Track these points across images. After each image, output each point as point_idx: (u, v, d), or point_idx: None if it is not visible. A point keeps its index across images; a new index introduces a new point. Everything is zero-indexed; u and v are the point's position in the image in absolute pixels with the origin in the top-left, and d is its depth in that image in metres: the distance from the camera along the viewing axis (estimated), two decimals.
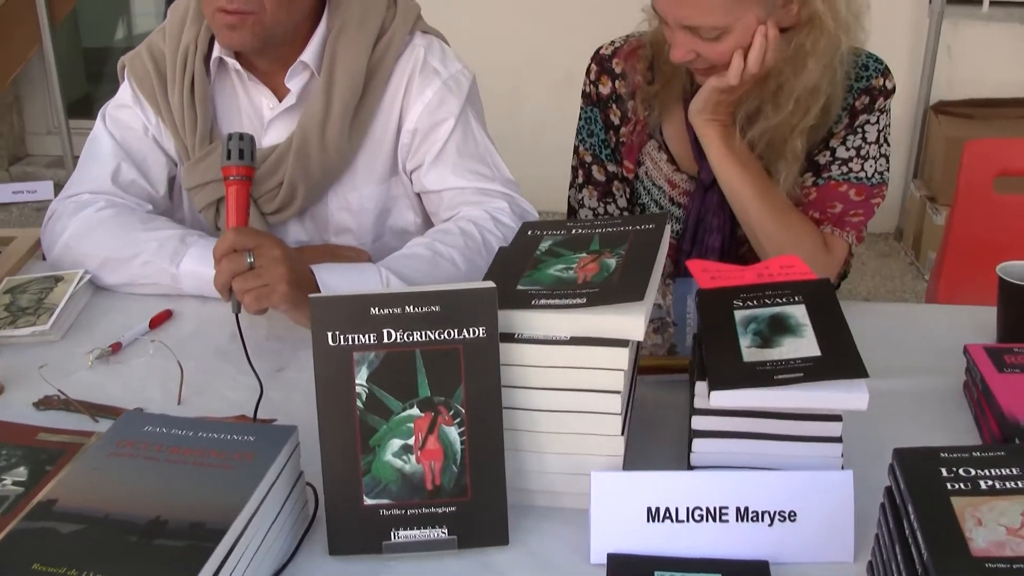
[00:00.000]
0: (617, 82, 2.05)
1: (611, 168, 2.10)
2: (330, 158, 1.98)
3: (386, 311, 1.27)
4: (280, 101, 2.01)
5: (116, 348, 1.79)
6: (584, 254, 1.45)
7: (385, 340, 1.27)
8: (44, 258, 2.12)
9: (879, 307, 2.10)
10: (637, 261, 1.40)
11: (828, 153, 1.97)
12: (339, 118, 1.95)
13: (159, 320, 1.88)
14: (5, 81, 5.20)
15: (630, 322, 1.29)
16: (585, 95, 2.10)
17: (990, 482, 1.13)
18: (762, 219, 1.95)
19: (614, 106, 2.06)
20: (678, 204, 2.09)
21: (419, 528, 1.29)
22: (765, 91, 1.89)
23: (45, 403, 1.63)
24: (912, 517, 1.10)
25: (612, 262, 1.41)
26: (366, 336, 1.27)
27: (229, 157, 1.70)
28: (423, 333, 1.27)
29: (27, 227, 3.21)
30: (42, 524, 1.16)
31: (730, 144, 1.93)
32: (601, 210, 2.12)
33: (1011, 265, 1.77)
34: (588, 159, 2.11)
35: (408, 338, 1.27)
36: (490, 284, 1.28)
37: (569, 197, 2.18)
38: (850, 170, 1.96)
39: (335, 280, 1.75)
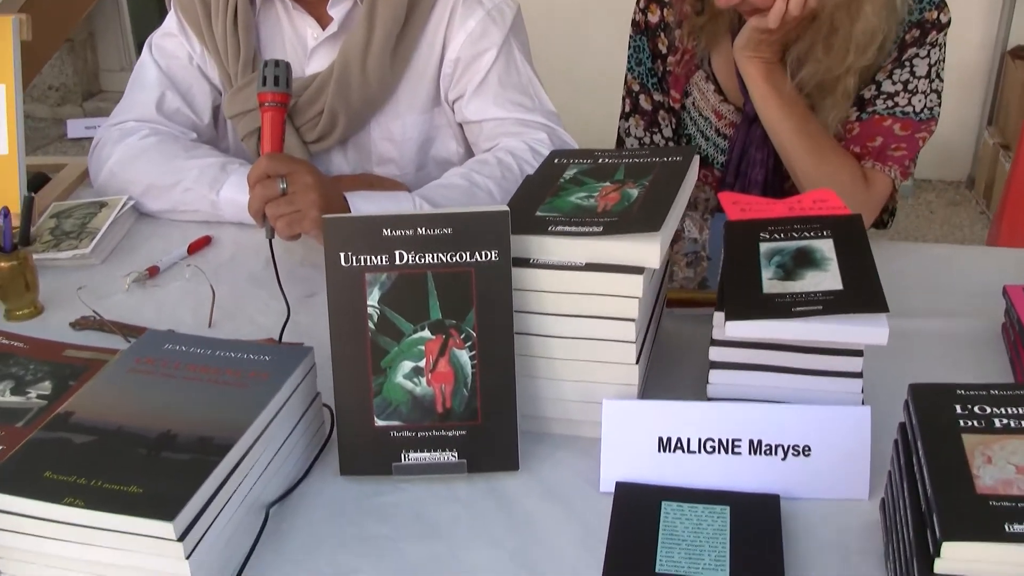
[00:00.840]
0: (665, 10, 2.01)
1: (657, 97, 2.07)
2: (371, 87, 1.97)
3: (398, 232, 1.26)
4: (324, 29, 2.00)
5: (153, 272, 1.80)
6: (607, 183, 1.43)
7: (397, 261, 1.27)
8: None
9: (924, 247, 2.04)
10: (659, 192, 1.38)
11: (874, 87, 1.91)
12: (381, 46, 1.94)
13: (198, 246, 1.90)
14: (78, 18, 5.24)
15: (646, 249, 1.27)
16: (634, 23, 2.07)
17: (1005, 420, 1.09)
18: (800, 155, 1.91)
19: (662, 35, 2.03)
20: (724, 136, 2.06)
21: (429, 451, 1.29)
22: (817, 34, 1.84)
23: (81, 323, 1.66)
24: (921, 453, 1.07)
25: (634, 192, 1.39)
26: (378, 257, 1.27)
27: (265, 83, 1.70)
28: (435, 255, 1.27)
29: None
30: (58, 435, 1.17)
31: (772, 81, 1.88)
32: (647, 140, 2.09)
33: None
34: (636, 88, 2.08)
35: (420, 260, 1.27)
36: (503, 207, 1.27)
37: (619, 126, 2.15)
38: (896, 104, 1.91)
39: (368, 207, 1.75)
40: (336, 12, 1.97)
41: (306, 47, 2.03)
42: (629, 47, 2.09)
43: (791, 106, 1.88)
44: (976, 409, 1.11)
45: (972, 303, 1.70)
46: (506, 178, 1.88)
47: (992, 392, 1.14)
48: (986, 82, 4.72)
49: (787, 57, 1.88)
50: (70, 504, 1.07)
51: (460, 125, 2.09)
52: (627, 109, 2.11)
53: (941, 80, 1.95)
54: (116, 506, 1.07)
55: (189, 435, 1.17)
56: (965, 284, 1.79)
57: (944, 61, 1.95)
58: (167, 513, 1.06)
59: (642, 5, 2.05)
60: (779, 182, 2.03)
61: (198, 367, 1.29)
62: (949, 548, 0.96)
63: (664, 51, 2.04)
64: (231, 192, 1.91)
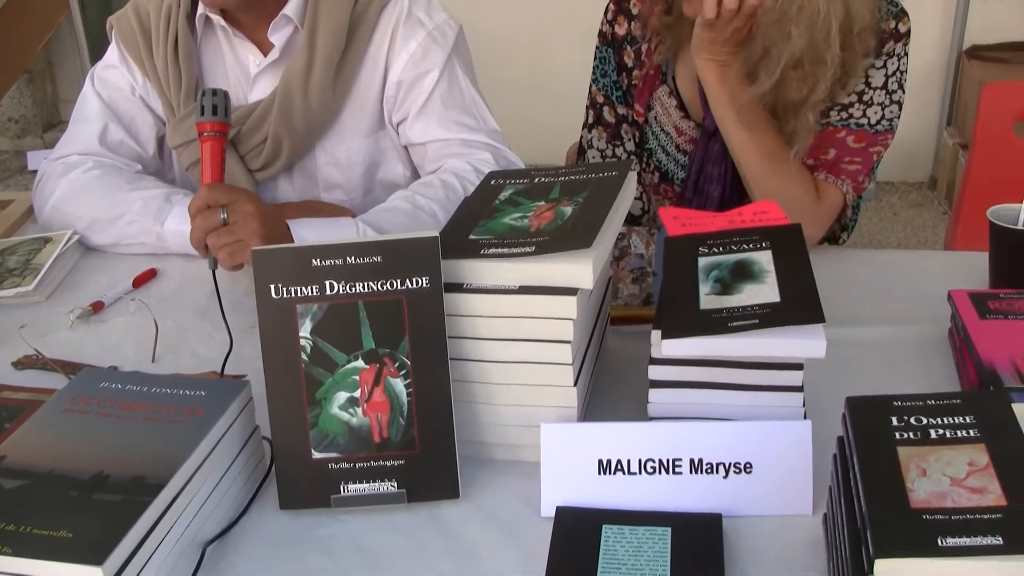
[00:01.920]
0: (633, 23, 2.01)
1: (621, 111, 2.06)
2: (314, 112, 1.96)
3: (328, 262, 1.25)
4: (265, 56, 1.99)
5: (98, 308, 1.78)
6: (542, 202, 1.42)
7: (328, 292, 1.25)
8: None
9: (875, 254, 2.04)
10: (593, 209, 1.37)
11: (828, 99, 1.91)
12: (322, 71, 1.93)
13: (143, 279, 1.88)
14: (35, 49, 5.22)
15: (579, 270, 1.26)
16: (601, 34, 2.07)
17: (941, 431, 1.08)
18: (752, 162, 1.90)
19: (628, 48, 2.02)
20: (684, 151, 2.05)
21: (368, 481, 1.27)
22: (752, 54, 1.83)
23: (23, 362, 1.64)
24: (856, 468, 1.06)
25: (568, 210, 1.38)
26: (309, 288, 1.26)
27: (203, 113, 1.69)
28: (365, 284, 1.25)
29: None
30: None
31: (728, 87, 1.87)
32: (609, 152, 2.08)
33: (1002, 208, 1.71)
34: (600, 99, 2.08)
35: (351, 289, 1.26)
36: (432, 233, 1.26)
37: (581, 137, 2.15)
38: (850, 116, 1.90)
39: (311, 235, 1.74)
40: (276, 38, 1.96)
41: (248, 74, 2.01)
42: (595, 58, 2.08)
43: (746, 113, 1.87)
44: (912, 420, 1.10)
45: (921, 309, 1.70)
46: (450, 199, 1.87)
47: (929, 402, 1.13)
48: (944, 83, 4.72)
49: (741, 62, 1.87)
50: None
51: (406, 148, 2.08)
52: (590, 120, 2.11)
53: (903, 91, 1.93)
54: (44, 552, 1.05)
55: (122, 475, 1.15)
56: (915, 290, 1.78)
57: (905, 72, 1.93)
58: (96, 557, 1.04)
59: (610, 16, 2.05)
60: (736, 198, 2.02)
61: (133, 405, 1.28)
62: (882, 564, 0.95)
63: (630, 64, 2.03)
64: (176, 223, 1.89)
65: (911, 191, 4.81)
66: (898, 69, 1.91)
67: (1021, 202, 1.70)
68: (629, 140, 2.08)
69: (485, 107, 2.06)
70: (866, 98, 1.90)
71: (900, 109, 1.94)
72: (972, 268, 1.82)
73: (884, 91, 1.91)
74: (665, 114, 2.04)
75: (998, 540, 0.94)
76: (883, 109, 1.91)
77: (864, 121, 1.91)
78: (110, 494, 1.12)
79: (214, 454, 1.23)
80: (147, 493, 1.12)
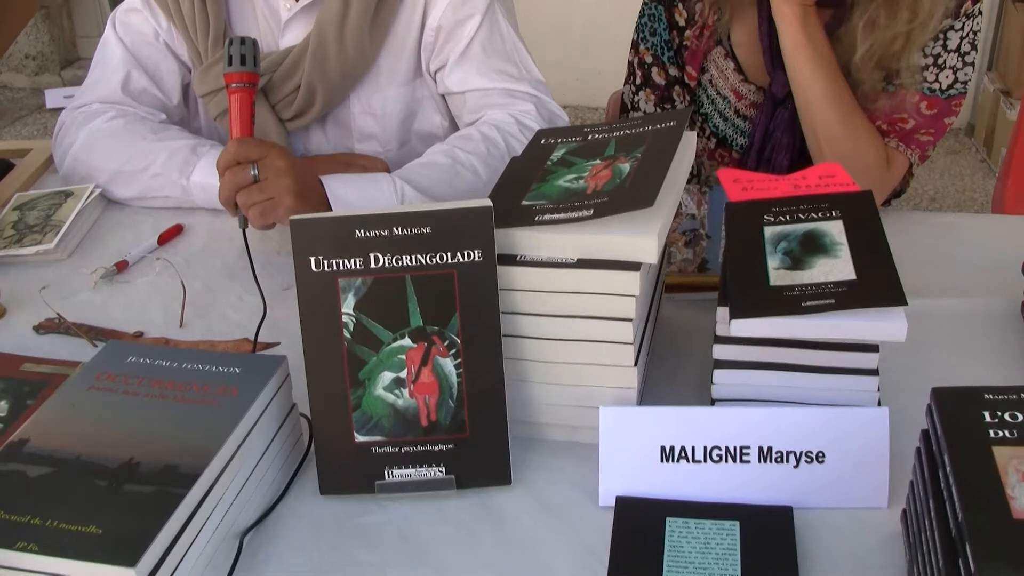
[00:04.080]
0: None
1: (672, 72, 1.95)
2: (349, 59, 1.86)
3: (372, 233, 1.16)
4: (297, 0, 1.89)
5: (122, 267, 1.70)
6: (597, 161, 1.33)
7: (372, 265, 1.17)
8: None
9: (933, 217, 1.95)
10: (653, 163, 1.27)
11: (902, 60, 1.80)
12: (358, 16, 1.83)
13: (169, 236, 1.80)
14: None
15: (643, 243, 1.17)
16: None
17: None
18: (828, 121, 1.79)
19: (680, 5, 1.90)
20: (744, 116, 1.94)
21: (414, 467, 1.20)
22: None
23: (45, 326, 1.56)
24: (948, 469, 0.98)
25: (626, 167, 1.28)
26: (352, 261, 1.17)
27: (230, 63, 1.59)
28: (413, 257, 1.17)
29: None
30: (11, 467, 1.08)
31: (808, 30, 1.75)
32: None
33: None
34: (648, 59, 1.96)
35: (397, 263, 1.17)
36: (486, 202, 1.17)
37: (623, 94, 2.04)
38: (924, 79, 1.79)
39: (345, 191, 1.65)
40: None
41: (279, 19, 1.92)
42: (642, 15, 1.95)
43: (824, 62, 1.76)
44: (1007, 416, 1.01)
45: (986, 278, 1.61)
46: (491, 154, 1.78)
47: (1023, 396, 1.04)
48: (986, 26, 4.58)
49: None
50: (23, 550, 0.98)
51: (443, 97, 1.98)
52: (638, 81, 1.98)
53: (975, 50, 1.82)
54: (73, 551, 0.98)
55: (153, 463, 1.08)
56: (976, 257, 1.69)
57: (979, 31, 1.83)
58: (129, 558, 0.97)
59: None
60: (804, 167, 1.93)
61: (163, 382, 1.20)
62: None
63: (682, 23, 1.91)
64: (202, 176, 1.81)
65: (948, 138, 4.67)
66: (971, 29, 1.81)
67: None
68: (680, 103, 1.97)
69: (528, 55, 1.96)
70: (941, 61, 1.80)
71: (973, 70, 1.84)
72: None
73: (957, 54, 1.80)
74: (722, 77, 1.93)
75: None
76: (955, 72, 1.81)
77: (937, 86, 1.80)
78: (141, 485, 1.05)
79: (250, 438, 1.16)
80: (181, 484, 1.05)
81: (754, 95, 1.92)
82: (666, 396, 1.31)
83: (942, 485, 0.99)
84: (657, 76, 1.95)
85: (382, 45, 1.91)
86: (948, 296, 1.57)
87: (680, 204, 1.63)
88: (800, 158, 1.92)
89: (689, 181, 1.95)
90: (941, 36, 1.78)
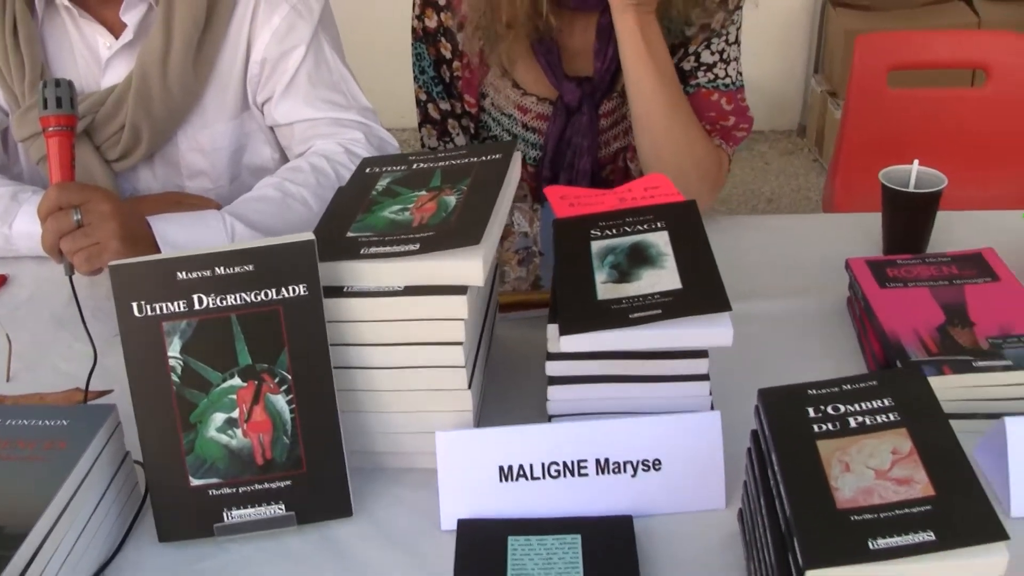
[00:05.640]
0: (443, 14, 1.88)
1: (443, 106, 1.95)
2: (174, 96, 1.83)
3: (195, 274, 1.15)
4: (117, 38, 1.85)
5: None
6: (423, 192, 1.33)
7: (196, 307, 1.15)
8: None
9: (764, 220, 1.99)
10: (479, 197, 1.28)
11: (693, 59, 1.84)
12: (181, 52, 1.80)
13: None
14: None
15: (468, 267, 1.17)
16: (413, 30, 1.93)
17: (860, 419, 1.03)
18: (670, 130, 1.79)
19: (443, 40, 1.90)
20: (533, 129, 1.95)
21: (253, 506, 1.18)
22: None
23: None
24: (776, 466, 1.00)
25: (452, 200, 1.29)
26: (175, 304, 1.15)
27: (46, 106, 1.55)
28: (237, 296, 1.15)
29: None
30: None
31: (648, 38, 1.75)
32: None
33: (894, 170, 1.67)
34: (423, 97, 1.96)
35: (222, 302, 1.15)
36: (308, 236, 1.16)
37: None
38: (716, 76, 1.84)
39: (173, 231, 1.62)
40: (130, 18, 1.82)
41: (99, 58, 1.88)
42: (412, 55, 1.95)
43: (666, 72, 1.77)
44: (829, 410, 1.05)
45: (816, 278, 1.66)
46: (321, 184, 1.77)
47: (844, 387, 1.08)
48: (809, 29, 4.73)
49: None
50: None
51: (272, 129, 1.96)
52: (419, 119, 1.99)
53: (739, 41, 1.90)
54: None
55: None
56: (807, 257, 1.74)
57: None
58: None
59: (418, 11, 1.91)
60: (599, 170, 1.95)
61: None
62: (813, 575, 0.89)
63: (449, 56, 1.91)
64: (24, 224, 1.76)
65: (781, 139, 4.82)
66: (741, 20, 1.87)
67: (912, 163, 1.66)
68: (458, 134, 1.97)
69: (355, 83, 1.95)
70: (726, 55, 1.85)
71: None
72: (863, 231, 1.79)
73: (736, 46, 1.87)
74: (502, 97, 1.94)
75: (929, 536, 0.90)
76: (737, 63, 1.88)
77: (728, 81, 1.85)
78: None
79: (81, 491, 1.12)
80: (7, 547, 1.01)
81: (538, 106, 1.93)
82: (506, 416, 1.32)
83: (771, 482, 1.02)
84: (433, 112, 1.96)
85: (207, 81, 1.88)
86: (779, 298, 1.61)
87: (512, 223, 1.65)
88: (596, 161, 1.95)
89: (522, 200, 1.97)
90: (724, 32, 1.83)
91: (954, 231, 1.75)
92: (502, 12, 1.78)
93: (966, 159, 2.64)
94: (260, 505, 1.18)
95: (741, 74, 1.88)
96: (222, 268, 1.15)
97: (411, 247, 1.19)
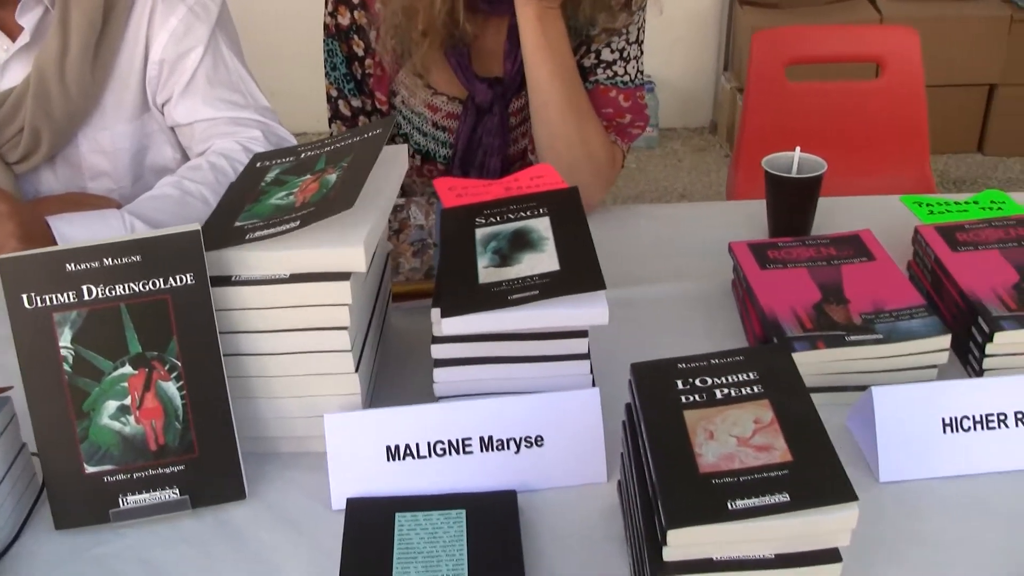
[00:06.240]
0: (356, 12, 1.91)
1: (355, 103, 1.98)
2: (72, 98, 1.85)
3: (84, 266, 1.17)
4: (14, 40, 1.87)
5: None
6: (308, 176, 1.36)
7: (86, 297, 1.18)
8: None
9: (654, 209, 2.05)
10: (356, 170, 1.31)
11: (593, 56, 1.89)
12: (78, 54, 1.82)
13: None
14: None
15: (350, 253, 1.21)
16: (325, 27, 1.96)
17: (726, 390, 1.08)
18: (566, 124, 1.83)
19: (356, 37, 1.93)
20: (443, 128, 1.99)
21: (147, 491, 1.21)
22: None
23: None
24: (644, 435, 1.05)
25: (332, 177, 1.32)
26: (65, 295, 1.18)
27: None
28: (126, 285, 1.18)
29: None
30: None
31: (548, 34, 1.78)
32: None
33: (777, 156, 1.74)
34: (334, 93, 1.99)
35: (111, 292, 1.18)
36: (194, 226, 1.20)
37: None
38: (615, 74, 1.89)
39: (73, 231, 1.64)
40: (26, 21, 1.84)
41: None
42: (324, 51, 1.98)
43: (564, 65, 1.81)
44: (697, 382, 1.10)
45: (705, 263, 1.72)
46: (220, 182, 1.79)
47: (712, 362, 1.13)
48: (719, 28, 4.82)
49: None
50: None
51: (173, 129, 1.99)
52: (330, 114, 2.02)
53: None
54: None
55: None
56: (698, 243, 1.79)
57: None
58: None
59: (330, 8, 1.93)
60: (507, 168, 1.99)
61: None
62: (675, 535, 0.94)
63: (361, 53, 1.94)
64: None
65: (693, 136, 4.90)
66: (644, 19, 1.92)
67: (794, 149, 1.72)
68: None
69: (253, 83, 1.98)
70: (626, 54, 1.89)
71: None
72: (754, 217, 1.85)
73: (637, 44, 1.91)
74: (413, 96, 1.97)
75: (785, 497, 0.95)
76: (637, 62, 1.92)
77: (627, 78, 1.90)
78: None
79: None
80: None
81: (449, 105, 1.97)
82: (397, 400, 1.34)
83: (641, 451, 1.06)
84: (344, 108, 1.98)
85: (106, 82, 1.90)
86: (668, 281, 1.67)
87: (409, 216, 1.69)
88: (514, 159, 2.00)
89: (420, 194, 2.01)
90: (624, 30, 1.88)
91: (839, 216, 1.82)
92: (418, 20, 1.80)
93: (860, 149, 2.73)
94: (154, 490, 1.21)
95: (642, 73, 1.93)
96: (110, 259, 1.18)
97: (292, 224, 1.22)
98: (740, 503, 0.95)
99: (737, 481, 0.97)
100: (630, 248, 1.78)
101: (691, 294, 1.64)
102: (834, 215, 1.81)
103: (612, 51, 1.88)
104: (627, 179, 4.37)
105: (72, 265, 1.17)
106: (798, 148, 1.73)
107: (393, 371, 1.46)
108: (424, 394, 1.32)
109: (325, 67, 1.98)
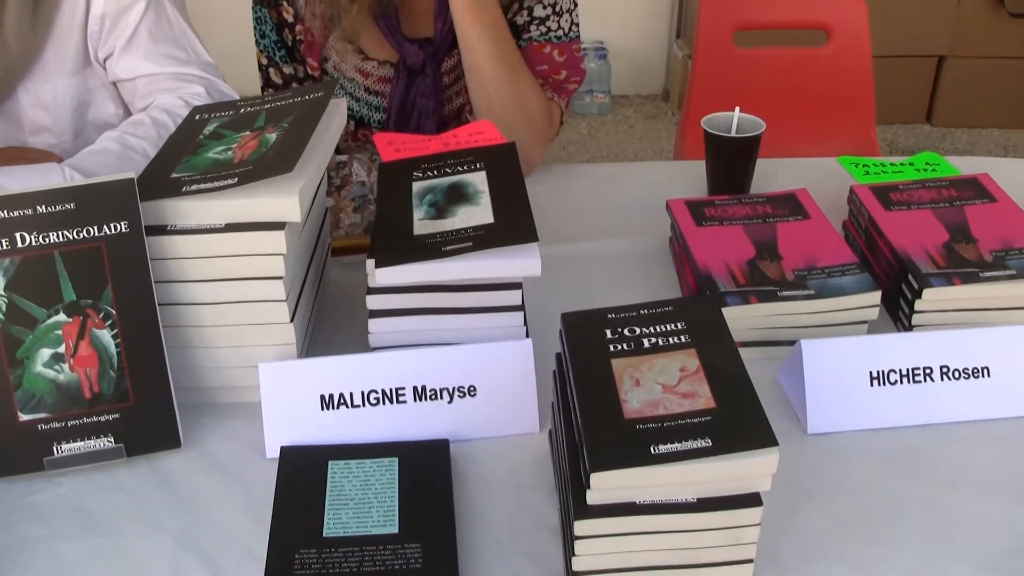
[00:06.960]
0: None
1: (287, 70, 1.96)
2: (12, 51, 1.84)
3: (16, 213, 1.17)
4: None
5: None
6: (247, 132, 1.37)
7: (19, 244, 1.18)
8: None
9: (595, 168, 2.05)
10: (297, 132, 1.32)
11: (526, 12, 1.89)
12: (17, 7, 1.80)
13: None
14: None
15: (285, 203, 1.22)
16: None
17: (654, 340, 1.10)
18: (497, 81, 1.84)
19: (285, 3, 1.90)
20: (375, 92, 1.99)
21: (82, 439, 1.21)
22: None
23: None
24: (572, 383, 1.07)
25: (272, 136, 1.33)
26: None
27: None
28: (60, 233, 1.18)
29: None
30: None
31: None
32: None
33: (716, 116, 1.75)
34: (264, 61, 1.97)
35: (44, 240, 1.18)
36: (128, 175, 1.20)
37: None
38: (549, 29, 1.89)
39: (13, 184, 1.63)
40: None
41: None
42: (252, 19, 1.95)
43: (493, 23, 1.81)
44: (626, 332, 1.11)
45: (644, 220, 1.73)
46: (161, 137, 1.78)
47: (642, 312, 1.15)
48: None
49: None
50: None
51: (115, 85, 1.98)
52: (262, 83, 2.00)
53: None
54: None
55: None
56: (638, 201, 1.81)
57: None
58: None
59: None
60: (442, 129, 2.00)
61: None
62: (598, 478, 0.96)
63: (291, 19, 1.91)
64: None
65: (645, 103, 4.92)
66: None
67: (734, 110, 1.74)
68: None
69: (196, 39, 1.97)
70: (558, 8, 1.89)
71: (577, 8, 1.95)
72: (694, 176, 1.86)
73: None
74: (344, 61, 1.96)
75: (707, 442, 0.97)
76: (570, 15, 1.92)
77: (560, 33, 1.90)
78: None
79: None
80: None
81: (380, 70, 1.96)
82: (334, 351, 1.35)
83: (569, 398, 1.08)
84: (275, 76, 1.97)
85: (46, 36, 1.89)
86: (607, 238, 1.68)
87: (351, 173, 1.69)
88: (449, 118, 2.00)
89: (363, 151, 2.01)
90: None
91: (778, 176, 1.84)
92: None
93: (807, 116, 2.76)
94: (89, 438, 1.22)
95: (576, 25, 1.92)
96: (43, 207, 1.18)
97: (230, 181, 1.23)
98: (663, 448, 0.96)
99: (661, 427, 0.99)
100: (570, 206, 1.80)
101: (629, 251, 1.66)
102: (773, 175, 1.83)
103: (544, 6, 1.88)
104: (579, 146, 4.38)
105: (5, 212, 1.17)
106: (737, 108, 1.75)
107: (331, 324, 1.47)
108: (361, 346, 1.33)
109: (255, 35, 1.96)
